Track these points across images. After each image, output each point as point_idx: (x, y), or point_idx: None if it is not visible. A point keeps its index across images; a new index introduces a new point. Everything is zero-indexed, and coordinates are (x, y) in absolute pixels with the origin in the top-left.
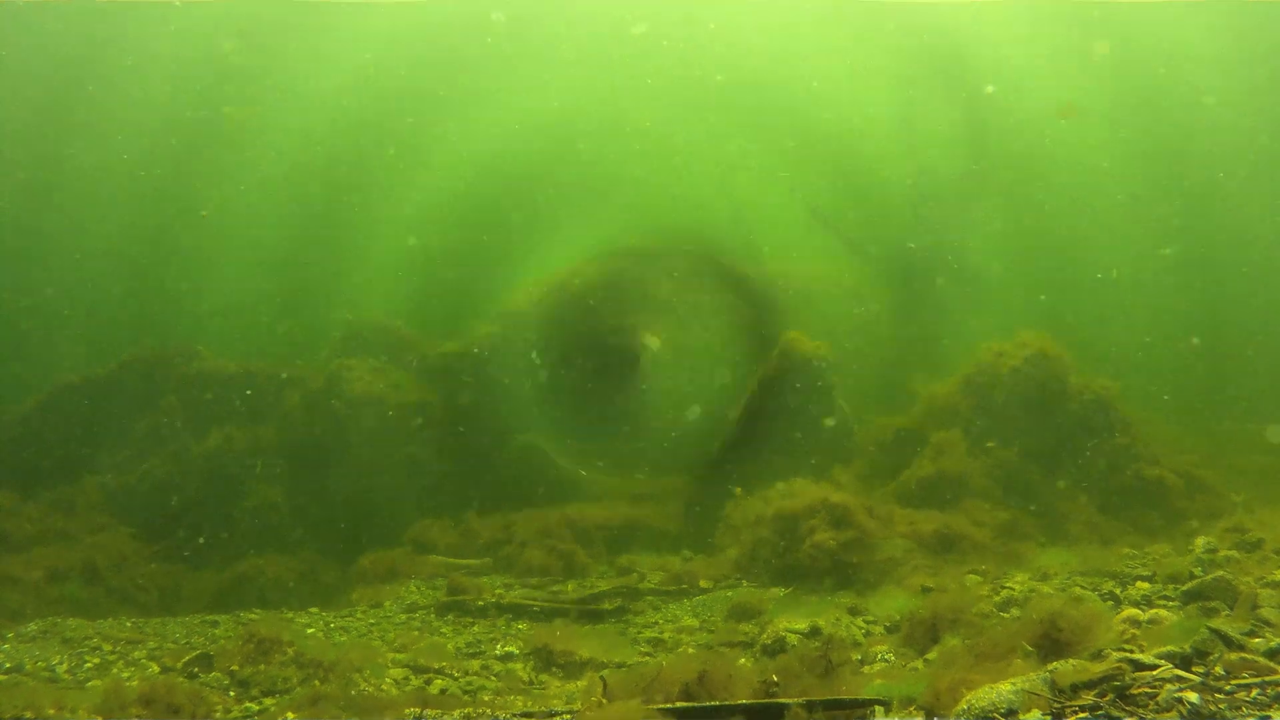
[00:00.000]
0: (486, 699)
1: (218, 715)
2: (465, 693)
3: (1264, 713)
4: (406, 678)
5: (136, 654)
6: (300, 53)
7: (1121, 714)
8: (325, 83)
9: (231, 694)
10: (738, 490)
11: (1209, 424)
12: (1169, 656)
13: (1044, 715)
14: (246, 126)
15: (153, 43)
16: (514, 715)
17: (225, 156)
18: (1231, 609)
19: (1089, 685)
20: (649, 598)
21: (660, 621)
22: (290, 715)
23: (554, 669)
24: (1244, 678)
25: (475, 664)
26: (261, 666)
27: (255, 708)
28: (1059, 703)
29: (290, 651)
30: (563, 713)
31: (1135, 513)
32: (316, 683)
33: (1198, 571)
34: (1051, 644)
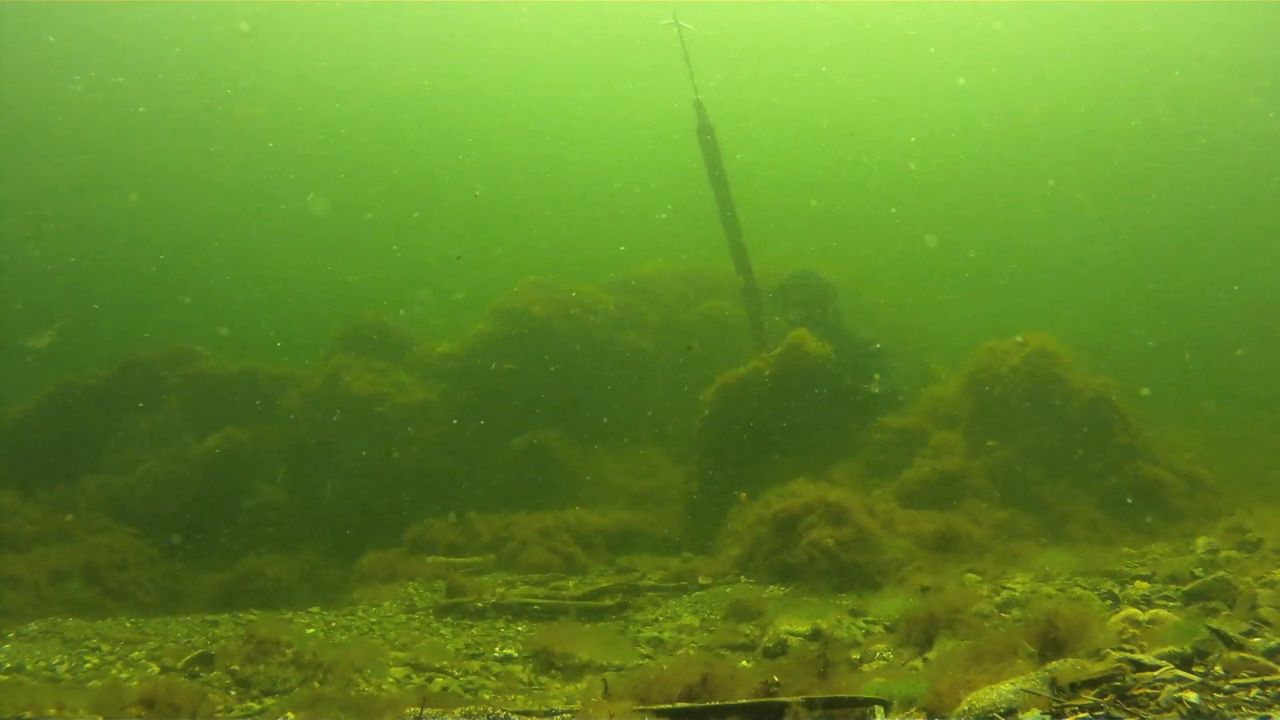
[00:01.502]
0: (487, 697)
1: (219, 715)
2: (466, 691)
3: (1264, 713)
4: (408, 676)
5: (136, 654)
6: (307, 51)
7: (1122, 714)
8: (335, 80)
9: (232, 693)
10: (742, 496)
11: (1210, 424)
12: (1170, 657)
13: (1043, 715)
14: (255, 124)
15: (158, 41)
16: (514, 713)
17: (234, 154)
18: (1231, 609)
19: (1089, 685)
20: (649, 594)
21: (660, 619)
22: (291, 715)
23: (553, 671)
24: (1243, 677)
25: (475, 664)
26: (262, 666)
27: (256, 707)
28: (1059, 702)
29: (290, 652)
30: (562, 712)
31: (1135, 512)
32: (316, 684)
33: (1199, 572)
34: (1049, 643)
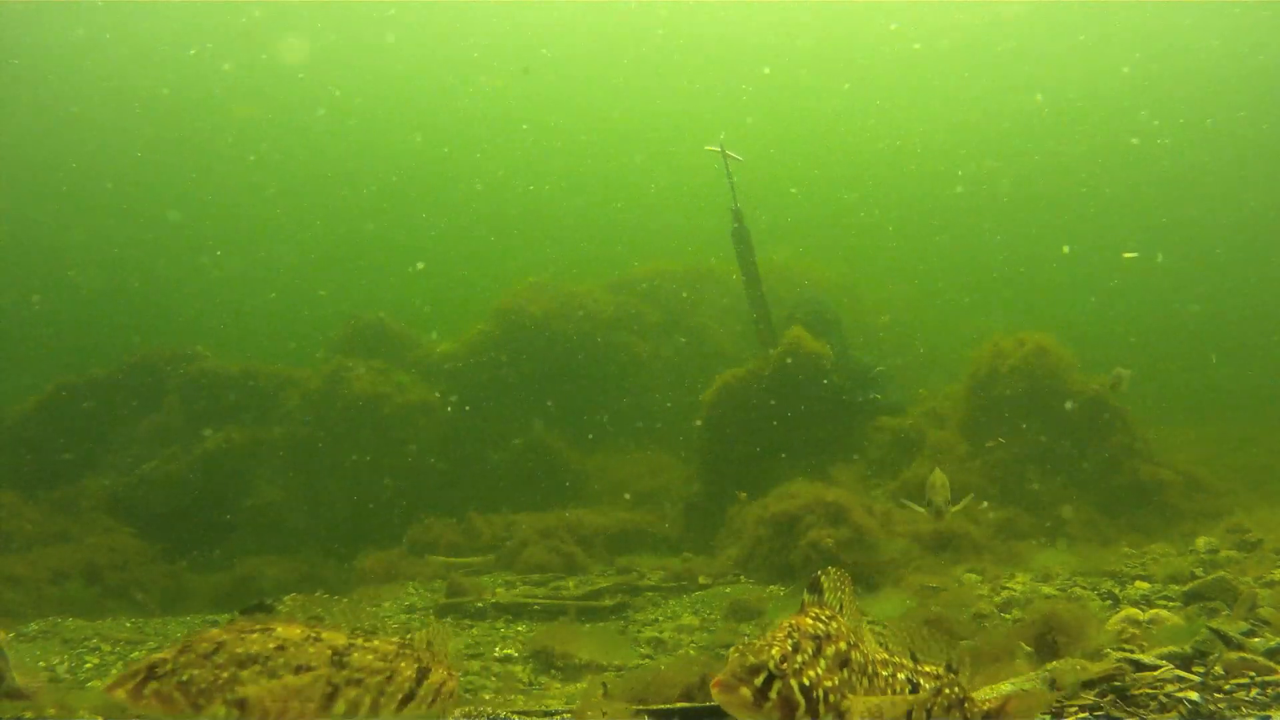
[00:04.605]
0: (487, 697)
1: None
2: (466, 691)
3: (1264, 713)
4: None
5: (136, 654)
6: (306, 53)
7: (1122, 714)
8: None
9: None
10: (742, 495)
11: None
12: (1170, 657)
13: (1044, 714)
14: (253, 125)
15: (157, 42)
16: (514, 713)
17: (231, 155)
18: (1231, 609)
19: (1088, 685)
20: (649, 594)
21: (660, 619)
22: None
23: (553, 671)
24: (1244, 677)
25: (475, 664)
26: None
27: None
28: (1059, 702)
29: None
30: (562, 712)
31: (1135, 512)
32: None
33: (1199, 571)
34: (1048, 644)
